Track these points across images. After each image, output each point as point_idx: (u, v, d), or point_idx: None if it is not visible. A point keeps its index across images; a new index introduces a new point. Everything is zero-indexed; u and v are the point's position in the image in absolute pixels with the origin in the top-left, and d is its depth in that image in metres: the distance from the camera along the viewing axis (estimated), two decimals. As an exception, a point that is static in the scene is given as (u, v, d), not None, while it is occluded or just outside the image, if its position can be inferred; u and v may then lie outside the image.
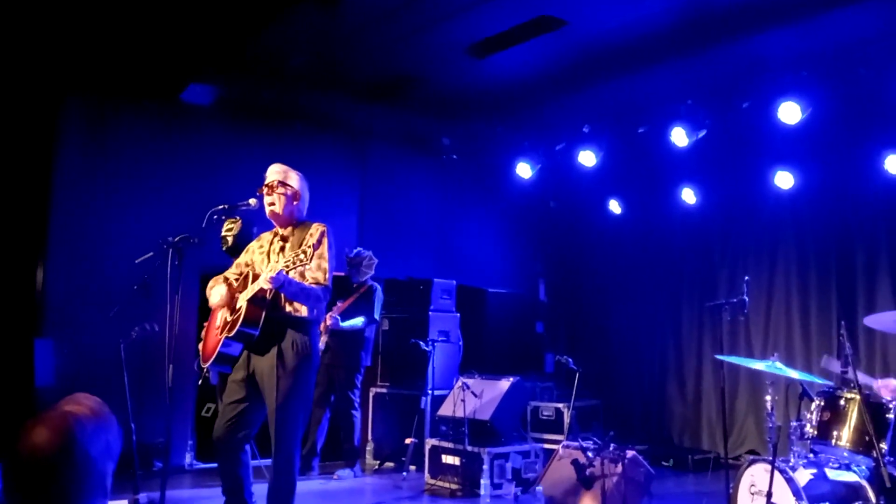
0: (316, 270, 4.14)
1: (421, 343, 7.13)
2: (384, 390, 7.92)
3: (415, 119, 8.80)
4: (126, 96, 7.47)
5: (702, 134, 7.44)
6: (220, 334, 4.19)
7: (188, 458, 7.46)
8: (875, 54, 6.25)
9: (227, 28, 6.31)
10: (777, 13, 5.99)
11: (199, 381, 5.37)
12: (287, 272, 3.91)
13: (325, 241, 4.20)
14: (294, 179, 4.36)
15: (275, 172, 4.36)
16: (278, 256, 4.17)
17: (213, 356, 4.18)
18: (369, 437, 7.85)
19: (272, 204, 4.30)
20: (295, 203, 4.34)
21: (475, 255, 9.50)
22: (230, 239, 5.13)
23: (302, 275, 4.13)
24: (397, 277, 8.26)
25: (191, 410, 7.48)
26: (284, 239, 4.31)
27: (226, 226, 5.13)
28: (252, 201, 4.81)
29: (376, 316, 7.19)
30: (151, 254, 5.03)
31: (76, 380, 6.51)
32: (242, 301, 4.11)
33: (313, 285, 4.12)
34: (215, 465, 6.89)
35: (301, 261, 3.82)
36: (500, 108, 8.38)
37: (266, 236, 4.47)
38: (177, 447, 7.31)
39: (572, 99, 7.95)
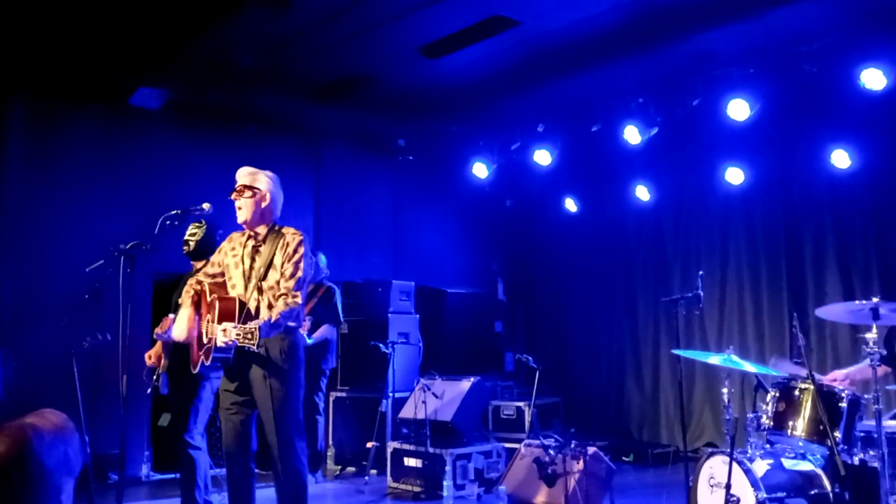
0: (289, 279, 4.10)
1: (380, 345, 7.07)
2: (344, 394, 7.86)
3: (369, 119, 8.75)
4: (72, 100, 7.29)
5: (654, 131, 7.54)
6: (200, 351, 4.20)
7: (145, 469, 7.31)
8: (820, 51, 6.40)
9: (175, 29, 6.20)
10: (724, 10, 6.10)
11: (150, 391, 5.26)
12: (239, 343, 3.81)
13: (302, 249, 4.17)
14: (262, 181, 4.27)
15: (241, 176, 4.29)
16: (251, 264, 4.17)
17: (198, 367, 4.24)
18: (330, 441, 7.78)
19: (239, 208, 4.24)
20: (263, 205, 4.25)
21: (433, 256, 9.48)
22: (192, 243, 5.05)
23: (277, 282, 4.11)
24: (354, 279, 8.20)
25: (146, 420, 7.33)
26: (257, 243, 4.25)
27: (190, 230, 5.07)
28: (206, 205, 4.73)
29: (341, 318, 7.18)
30: (102, 261, 4.92)
31: (26, 392, 6.32)
32: (212, 333, 4.06)
33: (284, 294, 4.05)
34: (173, 475, 6.83)
35: (248, 339, 3.74)
36: (455, 108, 8.38)
37: (237, 237, 4.37)
38: (133, 458, 7.16)
39: (526, 98, 8.00)
